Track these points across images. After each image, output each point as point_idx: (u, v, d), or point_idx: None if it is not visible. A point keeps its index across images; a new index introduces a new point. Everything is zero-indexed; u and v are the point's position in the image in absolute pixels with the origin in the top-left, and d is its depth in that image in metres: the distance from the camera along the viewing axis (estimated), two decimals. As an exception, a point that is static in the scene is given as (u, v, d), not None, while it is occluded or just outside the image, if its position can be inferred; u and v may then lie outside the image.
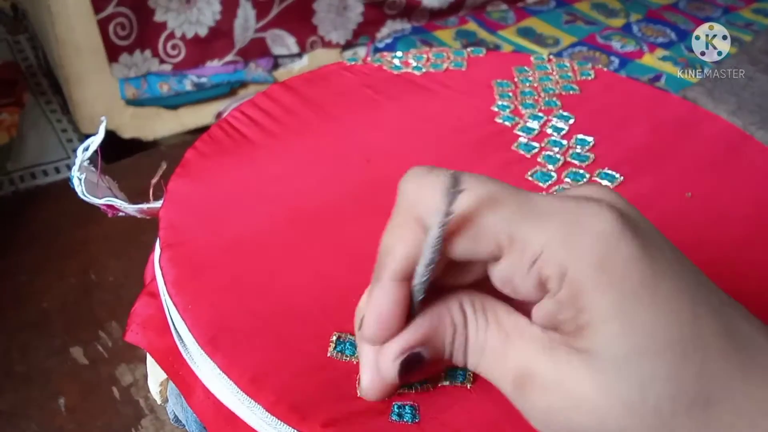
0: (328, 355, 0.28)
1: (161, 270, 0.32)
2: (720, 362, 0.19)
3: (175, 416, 0.37)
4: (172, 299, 0.30)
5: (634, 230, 0.20)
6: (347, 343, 0.28)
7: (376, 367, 0.24)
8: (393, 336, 0.23)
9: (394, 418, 0.26)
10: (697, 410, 0.19)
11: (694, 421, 0.19)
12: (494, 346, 0.22)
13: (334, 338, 0.28)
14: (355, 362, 0.28)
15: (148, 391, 0.38)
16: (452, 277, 0.23)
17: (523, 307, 0.23)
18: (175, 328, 0.30)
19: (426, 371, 0.25)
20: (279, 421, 0.26)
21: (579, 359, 0.20)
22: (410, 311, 0.23)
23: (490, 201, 0.21)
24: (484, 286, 0.24)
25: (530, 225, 0.20)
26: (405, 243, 0.22)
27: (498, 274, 0.22)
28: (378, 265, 0.23)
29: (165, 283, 0.31)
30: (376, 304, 0.22)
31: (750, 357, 0.20)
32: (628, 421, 0.19)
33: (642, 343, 0.19)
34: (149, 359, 0.36)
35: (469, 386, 0.27)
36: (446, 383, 0.27)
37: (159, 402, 0.38)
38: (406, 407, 0.26)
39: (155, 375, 0.37)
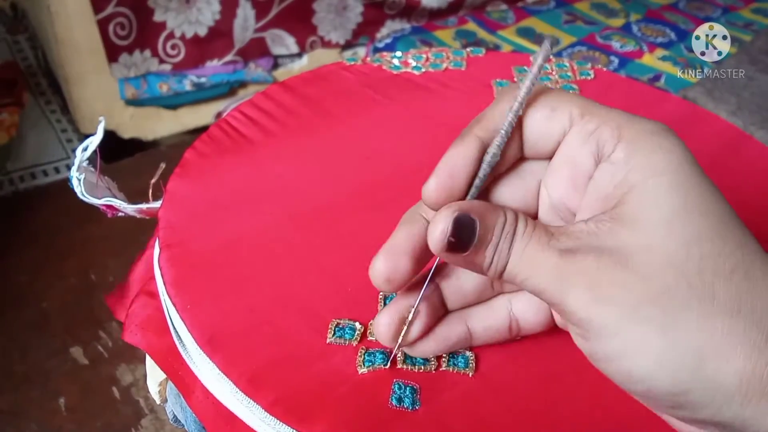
0: (327, 341, 0.28)
1: (160, 270, 0.32)
2: (756, 246, 0.20)
3: (175, 416, 0.37)
4: (171, 299, 0.30)
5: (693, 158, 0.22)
6: (346, 329, 0.28)
7: (402, 245, 0.24)
8: (454, 195, 0.23)
9: (394, 402, 0.26)
10: (738, 277, 0.19)
11: (735, 287, 0.19)
12: (541, 238, 0.22)
13: (333, 325, 0.29)
14: (355, 345, 0.28)
15: (148, 391, 0.38)
16: (508, 190, 0.25)
17: None
18: (174, 329, 0.30)
19: (468, 259, 0.23)
20: (278, 421, 0.26)
21: (625, 229, 0.21)
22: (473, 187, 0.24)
23: (562, 90, 0.24)
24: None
25: (598, 106, 0.23)
26: (498, 108, 0.24)
27: (560, 154, 0.23)
28: (465, 130, 0.24)
29: (164, 283, 0.31)
30: (451, 156, 0.23)
31: None
32: (671, 279, 0.20)
33: (691, 202, 0.20)
34: (148, 359, 0.36)
35: (471, 374, 0.27)
36: (448, 369, 0.27)
37: (158, 402, 0.38)
38: (407, 389, 0.26)
39: (154, 375, 0.37)
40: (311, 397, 0.26)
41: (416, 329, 0.26)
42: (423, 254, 0.24)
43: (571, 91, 0.23)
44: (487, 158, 0.23)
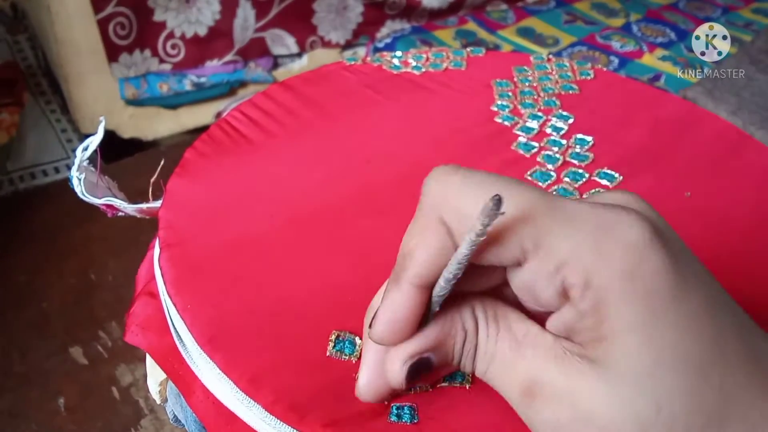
0: (327, 354, 0.28)
1: (161, 270, 0.32)
2: (740, 382, 0.19)
3: (175, 416, 0.37)
4: (171, 299, 0.30)
5: (663, 242, 0.19)
6: (346, 342, 0.28)
7: (377, 367, 0.24)
8: (403, 340, 0.22)
9: (393, 418, 0.26)
10: (713, 429, 0.18)
11: None
12: (504, 353, 0.22)
13: (333, 337, 0.28)
14: (354, 361, 0.28)
15: (148, 391, 0.38)
16: (469, 282, 0.23)
17: (537, 318, 0.22)
18: (175, 328, 0.30)
19: (431, 376, 0.25)
20: (278, 421, 0.26)
21: (593, 370, 0.19)
22: (424, 318, 0.23)
23: (523, 213, 0.20)
24: (498, 292, 0.23)
25: (558, 231, 0.20)
26: (427, 247, 0.21)
27: (519, 279, 0.21)
28: (398, 267, 0.22)
29: (164, 283, 0.31)
30: (391, 307, 0.22)
31: (765, 363, 0.19)
32: None
33: (663, 357, 0.19)
34: (148, 359, 0.36)
35: (468, 387, 0.27)
36: (445, 384, 0.27)
37: (158, 402, 0.38)
38: (405, 408, 0.26)
39: (154, 375, 0.37)
40: (312, 397, 0.26)
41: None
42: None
43: (526, 196, 0.20)
44: (436, 295, 0.22)
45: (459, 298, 0.23)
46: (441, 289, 0.22)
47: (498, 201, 0.19)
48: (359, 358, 0.28)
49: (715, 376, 0.19)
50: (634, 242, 0.19)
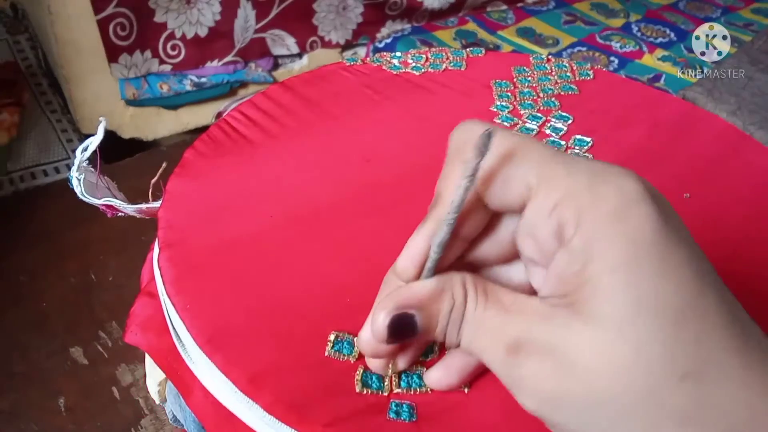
0: (326, 354, 0.28)
1: (160, 270, 0.32)
2: (718, 338, 0.19)
3: (174, 416, 0.37)
4: (170, 299, 0.30)
5: (655, 197, 0.20)
6: (345, 342, 0.28)
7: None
8: (418, 273, 0.24)
9: (392, 415, 0.26)
10: (690, 383, 0.19)
11: (685, 394, 0.19)
12: (492, 320, 0.22)
13: (332, 337, 0.28)
14: (352, 361, 0.28)
15: (148, 391, 0.38)
16: (466, 255, 0.24)
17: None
18: (174, 328, 0.30)
19: (413, 347, 0.26)
20: (277, 421, 0.26)
21: (577, 320, 0.20)
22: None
23: (522, 147, 0.22)
24: (490, 277, 0.25)
25: (559, 171, 0.21)
26: (450, 187, 0.23)
27: (523, 224, 0.22)
28: (430, 206, 0.24)
29: (164, 283, 0.31)
30: (415, 240, 0.23)
31: (748, 339, 0.19)
32: (618, 386, 0.19)
33: (643, 302, 0.19)
34: (148, 359, 0.36)
35: (466, 390, 0.27)
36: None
37: (158, 402, 0.38)
38: (404, 405, 0.26)
39: (154, 375, 0.37)
40: (311, 397, 0.26)
41: (403, 361, 0.27)
42: None
43: (531, 144, 0.22)
44: (436, 242, 0.23)
45: (451, 273, 0.24)
46: (445, 227, 0.22)
47: (488, 136, 0.21)
48: (358, 359, 0.28)
49: (695, 328, 0.19)
50: (626, 189, 0.20)
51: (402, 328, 0.23)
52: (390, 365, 0.26)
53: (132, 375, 0.81)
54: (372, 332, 0.23)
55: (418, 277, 0.24)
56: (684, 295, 0.19)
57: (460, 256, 0.25)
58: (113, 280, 0.93)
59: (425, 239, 0.23)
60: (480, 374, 0.27)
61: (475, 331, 0.23)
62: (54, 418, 0.76)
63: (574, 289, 0.20)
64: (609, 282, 0.19)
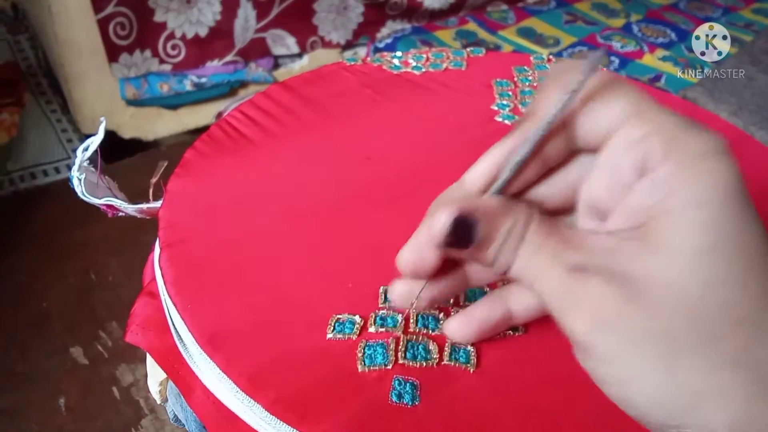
0: (327, 337, 0.28)
1: (161, 269, 0.32)
2: None
3: (175, 416, 0.37)
4: (171, 299, 0.30)
5: (735, 159, 0.21)
6: (346, 323, 0.29)
7: (425, 241, 0.23)
8: (482, 192, 0.23)
9: (394, 398, 0.26)
10: (748, 327, 0.19)
11: (741, 338, 0.19)
12: (553, 246, 0.22)
13: (332, 320, 0.29)
14: (354, 338, 0.28)
15: (148, 391, 0.38)
16: (527, 193, 0.24)
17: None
18: (175, 328, 0.30)
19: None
20: (278, 420, 0.26)
21: (650, 251, 0.20)
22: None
23: (620, 82, 0.22)
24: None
25: (653, 106, 0.21)
26: (549, 100, 0.22)
27: (605, 154, 0.22)
28: (516, 125, 0.23)
29: (164, 283, 0.31)
30: (492, 151, 0.23)
31: None
32: (680, 321, 0.19)
33: (720, 241, 0.19)
34: (149, 359, 0.36)
35: (471, 370, 0.27)
36: (450, 363, 0.27)
37: (158, 401, 0.38)
38: (407, 385, 0.26)
39: (155, 374, 0.37)
40: (311, 395, 0.26)
41: (430, 293, 0.26)
42: None
43: (628, 83, 0.22)
44: (516, 157, 0.22)
45: (517, 201, 0.24)
46: (532, 137, 0.22)
47: (602, 55, 0.21)
48: (359, 335, 0.28)
49: (761, 278, 0.19)
50: (713, 138, 0.20)
51: (462, 233, 0.22)
52: (415, 298, 0.25)
53: (132, 375, 0.81)
54: (427, 232, 0.23)
55: (484, 189, 0.23)
56: (757, 246, 0.19)
57: (523, 190, 0.24)
58: (113, 280, 0.93)
59: (504, 152, 0.23)
60: (484, 355, 0.27)
61: (533, 252, 0.22)
62: (54, 418, 0.76)
63: (649, 221, 0.20)
64: (692, 216, 0.19)
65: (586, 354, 0.20)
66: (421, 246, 0.24)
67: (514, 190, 0.24)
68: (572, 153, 0.23)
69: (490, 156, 0.23)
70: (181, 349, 0.30)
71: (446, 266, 0.25)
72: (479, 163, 0.23)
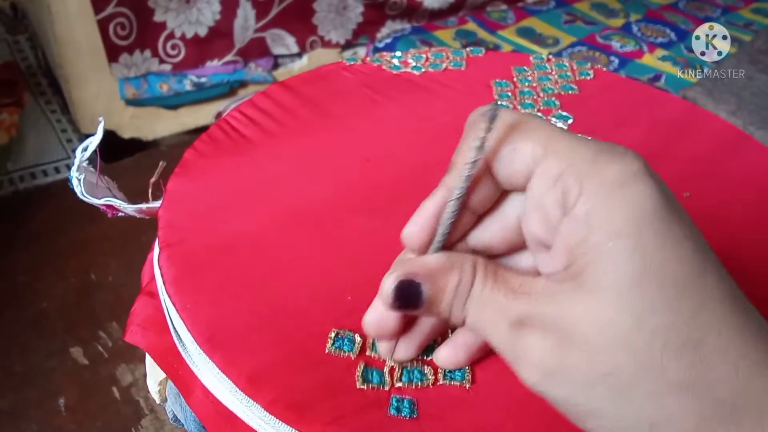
0: (326, 351, 0.28)
1: (160, 269, 0.32)
2: (719, 311, 0.19)
3: (174, 416, 0.37)
4: (170, 299, 0.30)
5: (654, 175, 0.20)
6: (345, 339, 0.28)
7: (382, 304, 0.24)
8: (423, 248, 0.24)
9: (393, 411, 0.26)
10: (689, 351, 0.19)
11: (685, 363, 0.19)
12: (498, 299, 0.22)
13: (333, 334, 0.28)
14: (353, 358, 0.28)
15: (148, 391, 0.38)
16: (473, 242, 0.25)
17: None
18: (174, 328, 0.30)
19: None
20: (277, 420, 0.26)
21: (580, 291, 0.20)
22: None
23: (529, 121, 0.22)
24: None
25: (564, 142, 0.21)
26: (463, 156, 0.23)
27: (530, 196, 0.22)
28: (442, 178, 0.24)
29: (164, 283, 0.31)
30: (424, 205, 0.24)
31: (748, 315, 0.20)
32: (619, 358, 0.19)
33: (647, 270, 0.19)
34: (148, 359, 0.36)
35: (468, 386, 0.27)
36: (445, 382, 0.27)
37: (158, 401, 0.38)
38: (405, 401, 0.26)
39: (154, 374, 0.37)
40: (310, 395, 0.26)
41: (405, 349, 0.26)
42: None
43: (538, 120, 0.23)
44: (447, 212, 0.23)
45: (462, 253, 0.24)
46: (456, 191, 0.22)
47: (496, 107, 0.22)
48: (358, 356, 0.28)
49: (696, 299, 0.19)
50: (629, 164, 0.20)
51: (408, 296, 0.23)
52: (392, 353, 0.26)
53: (132, 375, 0.81)
54: (379, 297, 0.23)
55: (425, 245, 0.24)
56: (685, 267, 0.19)
57: (464, 237, 0.25)
58: (113, 280, 0.93)
59: (434, 205, 0.23)
60: (479, 371, 0.27)
61: (480, 308, 0.23)
62: (54, 418, 0.76)
63: (577, 260, 0.20)
64: (612, 249, 0.19)
65: (545, 396, 0.21)
66: (380, 309, 0.25)
67: (455, 240, 0.24)
68: (504, 193, 0.24)
69: (422, 209, 0.24)
70: (180, 349, 0.30)
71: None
72: (413, 220, 0.24)
